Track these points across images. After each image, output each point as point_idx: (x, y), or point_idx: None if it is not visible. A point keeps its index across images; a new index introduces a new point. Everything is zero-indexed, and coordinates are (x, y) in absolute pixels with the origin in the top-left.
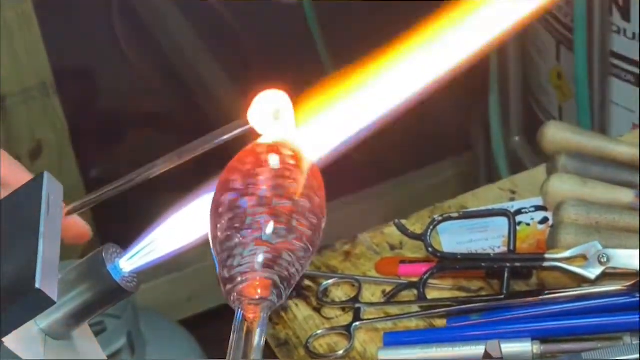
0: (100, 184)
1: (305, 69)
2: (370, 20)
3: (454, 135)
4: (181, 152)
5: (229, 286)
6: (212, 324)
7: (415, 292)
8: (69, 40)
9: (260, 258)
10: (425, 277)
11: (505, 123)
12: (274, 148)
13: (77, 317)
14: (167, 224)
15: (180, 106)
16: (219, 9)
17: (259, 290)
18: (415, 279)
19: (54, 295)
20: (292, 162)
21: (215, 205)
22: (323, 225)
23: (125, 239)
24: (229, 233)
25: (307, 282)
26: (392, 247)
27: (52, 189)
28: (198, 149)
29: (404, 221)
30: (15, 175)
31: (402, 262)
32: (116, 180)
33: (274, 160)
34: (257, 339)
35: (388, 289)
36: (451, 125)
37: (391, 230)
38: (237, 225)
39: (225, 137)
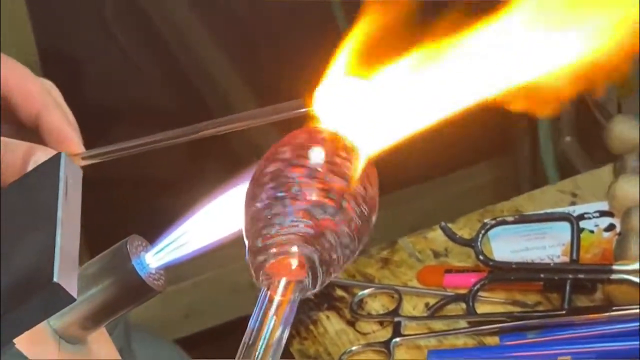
0: (85, 175)
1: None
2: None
3: (494, 135)
4: (225, 120)
5: (260, 258)
6: (212, 344)
7: (463, 305)
8: (58, 22)
9: (300, 230)
10: (474, 288)
11: (555, 121)
12: (332, 133)
13: (95, 318)
14: (199, 216)
15: (180, 99)
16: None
17: (293, 267)
18: (463, 291)
19: (73, 291)
20: (346, 149)
21: (257, 176)
22: (373, 220)
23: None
24: (269, 202)
25: (339, 292)
26: (437, 254)
27: (70, 171)
28: (243, 121)
29: (450, 225)
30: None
31: (448, 271)
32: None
33: (328, 143)
34: (282, 326)
35: (432, 301)
36: (490, 123)
37: (435, 235)
38: (280, 194)
39: (280, 115)
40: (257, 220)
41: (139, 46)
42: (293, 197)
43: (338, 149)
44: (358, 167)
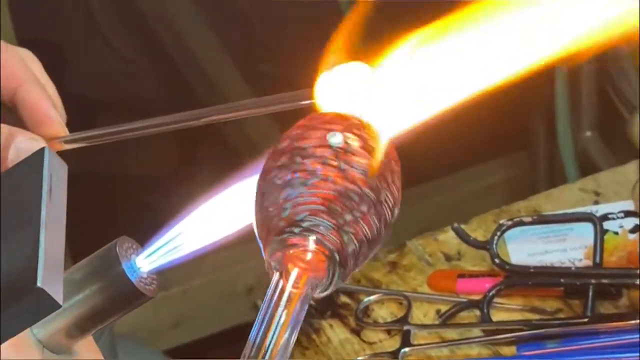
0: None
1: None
2: (411, 18)
3: (509, 129)
4: (225, 108)
5: (276, 238)
6: (204, 355)
7: (478, 312)
8: (38, 10)
9: (320, 212)
10: (489, 294)
11: (575, 115)
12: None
13: (81, 326)
14: (194, 217)
15: (168, 91)
16: None
17: (309, 257)
18: (477, 297)
19: (58, 297)
20: (369, 134)
21: (277, 150)
22: (396, 214)
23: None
24: (290, 179)
25: (343, 299)
26: (449, 258)
27: (54, 168)
28: (245, 110)
29: (463, 226)
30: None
31: (461, 275)
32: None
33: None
34: (292, 322)
35: (443, 308)
36: (504, 117)
37: (447, 237)
38: (300, 173)
39: (284, 105)
40: (273, 197)
41: (126, 38)
42: (316, 178)
43: (363, 134)
44: (382, 153)
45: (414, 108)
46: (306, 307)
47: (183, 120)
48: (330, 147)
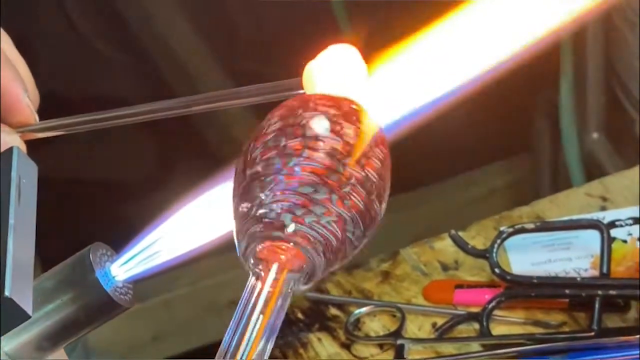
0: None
1: None
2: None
3: (511, 131)
4: (205, 98)
5: (252, 229)
6: None
7: (477, 326)
8: (8, 3)
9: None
10: (489, 306)
11: (581, 115)
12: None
13: (53, 339)
14: (173, 222)
15: (147, 90)
16: None
17: (288, 250)
18: (476, 309)
19: (27, 307)
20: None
21: (259, 135)
22: (383, 208)
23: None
24: (268, 168)
25: (333, 311)
26: (445, 267)
27: (23, 169)
28: (231, 99)
29: (461, 233)
30: None
31: (459, 286)
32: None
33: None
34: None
35: (440, 321)
36: (506, 117)
37: (444, 245)
38: (284, 160)
39: (273, 95)
40: (252, 187)
41: (103, 33)
42: (291, 168)
43: (348, 118)
44: (369, 138)
45: (406, 94)
46: (287, 305)
47: (164, 109)
48: (315, 130)
